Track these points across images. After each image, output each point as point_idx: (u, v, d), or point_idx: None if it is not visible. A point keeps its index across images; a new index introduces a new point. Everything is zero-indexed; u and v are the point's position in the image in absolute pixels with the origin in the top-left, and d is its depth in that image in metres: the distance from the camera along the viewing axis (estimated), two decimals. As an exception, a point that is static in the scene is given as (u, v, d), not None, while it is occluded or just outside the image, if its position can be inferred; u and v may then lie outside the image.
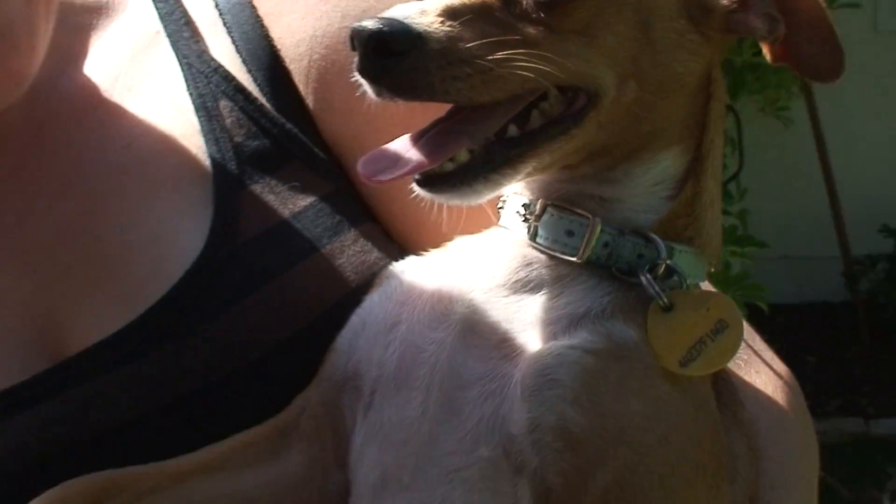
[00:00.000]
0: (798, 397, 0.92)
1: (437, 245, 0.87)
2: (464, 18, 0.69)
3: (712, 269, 0.86)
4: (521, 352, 0.74)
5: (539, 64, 0.69)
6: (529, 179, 0.79)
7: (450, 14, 0.69)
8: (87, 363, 0.84)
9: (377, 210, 0.95)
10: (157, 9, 0.98)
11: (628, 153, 0.80)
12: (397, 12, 0.68)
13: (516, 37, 0.70)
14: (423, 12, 0.68)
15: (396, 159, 0.70)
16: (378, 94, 0.71)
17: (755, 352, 0.93)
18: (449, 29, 0.68)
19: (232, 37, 0.95)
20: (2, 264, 0.88)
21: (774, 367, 0.92)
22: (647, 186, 0.81)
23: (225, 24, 0.96)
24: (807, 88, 5.92)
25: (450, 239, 0.86)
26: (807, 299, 5.97)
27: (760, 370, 0.91)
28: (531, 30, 0.71)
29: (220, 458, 0.78)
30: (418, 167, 0.70)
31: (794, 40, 0.81)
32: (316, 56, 0.93)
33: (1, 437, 0.81)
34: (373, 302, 0.83)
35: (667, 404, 0.74)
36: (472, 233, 0.86)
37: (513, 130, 0.74)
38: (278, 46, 0.95)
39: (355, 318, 0.83)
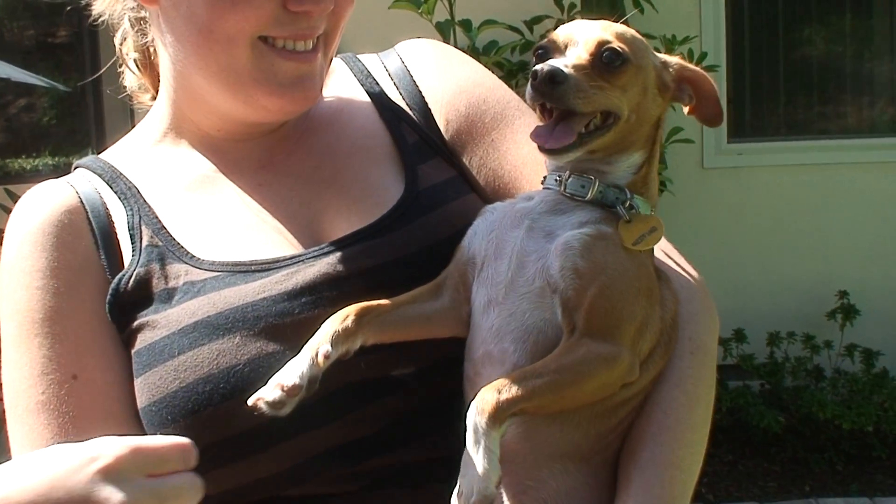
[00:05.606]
0: (702, 284, 1.51)
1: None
2: (581, 71, 1.32)
3: (652, 209, 1.46)
4: (555, 237, 1.35)
5: (604, 98, 1.32)
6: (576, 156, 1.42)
7: (575, 68, 1.32)
8: (346, 241, 1.47)
9: (475, 186, 1.62)
10: (356, 77, 1.70)
11: (621, 149, 1.40)
12: (556, 63, 1.31)
13: (598, 84, 1.32)
14: (566, 66, 1.31)
15: (548, 138, 1.33)
16: (534, 99, 1.33)
17: (675, 260, 1.53)
18: (576, 74, 1.30)
19: (400, 91, 1.66)
20: (291, 197, 1.55)
21: (687, 267, 1.54)
22: (624, 167, 1.42)
23: (395, 83, 1.67)
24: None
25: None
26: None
27: (681, 264, 1.54)
28: (602, 82, 1.33)
29: (412, 296, 1.40)
30: (559, 144, 1.33)
31: (698, 105, 1.45)
32: (444, 102, 1.64)
33: (307, 270, 1.43)
34: (479, 221, 1.45)
35: (624, 259, 1.34)
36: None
37: (583, 131, 1.35)
38: (425, 96, 1.65)
39: (471, 229, 1.44)
